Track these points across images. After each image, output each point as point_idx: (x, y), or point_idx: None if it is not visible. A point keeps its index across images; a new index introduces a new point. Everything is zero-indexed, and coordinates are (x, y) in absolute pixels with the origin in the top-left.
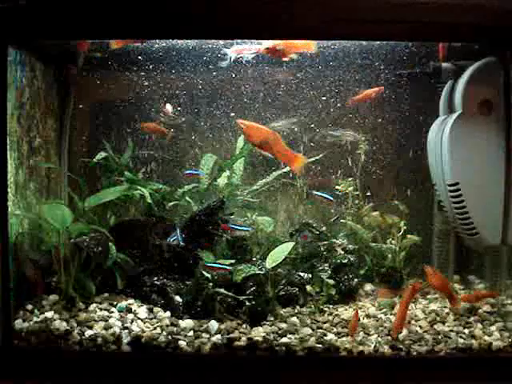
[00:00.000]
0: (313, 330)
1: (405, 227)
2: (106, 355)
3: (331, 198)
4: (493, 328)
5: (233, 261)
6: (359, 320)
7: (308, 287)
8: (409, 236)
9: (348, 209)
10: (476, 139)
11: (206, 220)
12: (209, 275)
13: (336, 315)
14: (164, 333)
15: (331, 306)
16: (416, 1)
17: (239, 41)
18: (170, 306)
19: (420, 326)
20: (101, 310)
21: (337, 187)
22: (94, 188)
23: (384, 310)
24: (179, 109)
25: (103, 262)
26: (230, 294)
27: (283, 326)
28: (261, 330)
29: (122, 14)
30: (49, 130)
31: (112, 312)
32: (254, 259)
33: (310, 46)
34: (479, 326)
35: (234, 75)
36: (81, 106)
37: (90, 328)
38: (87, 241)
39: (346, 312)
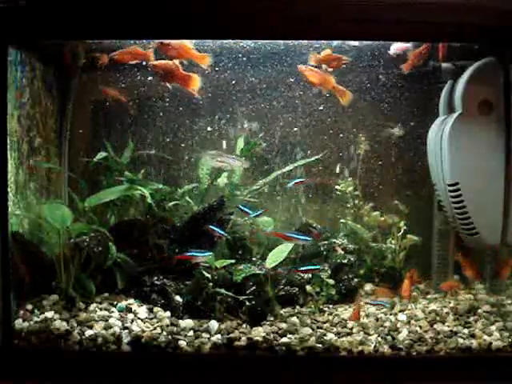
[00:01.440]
0: (313, 329)
1: (405, 227)
2: (106, 355)
3: (302, 179)
4: (493, 328)
5: (233, 260)
6: (359, 318)
7: (308, 287)
8: (409, 236)
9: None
10: (476, 139)
11: (206, 220)
12: (209, 275)
13: (336, 315)
14: (164, 333)
15: (331, 306)
16: (418, 1)
17: None
18: (170, 305)
19: (420, 326)
20: (101, 309)
21: (337, 187)
22: (94, 188)
23: (384, 309)
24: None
25: (103, 262)
26: (230, 293)
27: (283, 325)
28: (261, 330)
29: (121, 14)
30: (49, 130)
31: (112, 312)
32: (254, 259)
33: (204, 59)
34: (479, 325)
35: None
36: (81, 106)
37: (90, 328)
38: (87, 241)
39: (346, 312)
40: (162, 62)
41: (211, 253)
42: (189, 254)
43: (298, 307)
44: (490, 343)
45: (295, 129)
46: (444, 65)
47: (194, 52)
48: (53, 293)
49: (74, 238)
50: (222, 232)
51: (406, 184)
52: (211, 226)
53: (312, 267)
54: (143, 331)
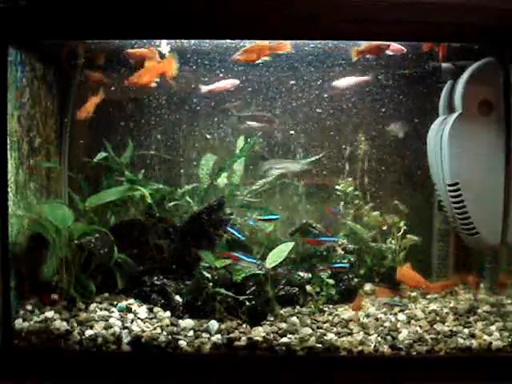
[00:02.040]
0: (313, 329)
1: (405, 227)
2: (106, 355)
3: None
4: (493, 328)
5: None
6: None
7: (308, 287)
8: (408, 236)
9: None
10: (476, 139)
11: (206, 220)
12: (209, 275)
13: (336, 315)
14: (164, 333)
15: (331, 306)
16: (418, 1)
17: None
18: (169, 305)
19: (420, 326)
20: (101, 309)
21: (337, 187)
22: (94, 188)
23: (384, 309)
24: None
25: (108, 263)
26: (230, 293)
27: (283, 325)
28: (261, 330)
29: (121, 14)
30: (49, 130)
31: (112, 312)
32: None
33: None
34: (479, 325)
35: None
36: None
37: (90, 328)
38: (92, 241)
39: (346, 312)
40: (138, 50)
41: (255, 260)
42: (235, 254)
43: (298, 307)
44: (490, 343)
45: (293, 130)
46: (444, 65)
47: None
48: (53, 293)
49: (74, 238)
50: (240, 236)
51: (407, 184)
52: (230, 229)
53: (342, 265)
54: (143, 331)
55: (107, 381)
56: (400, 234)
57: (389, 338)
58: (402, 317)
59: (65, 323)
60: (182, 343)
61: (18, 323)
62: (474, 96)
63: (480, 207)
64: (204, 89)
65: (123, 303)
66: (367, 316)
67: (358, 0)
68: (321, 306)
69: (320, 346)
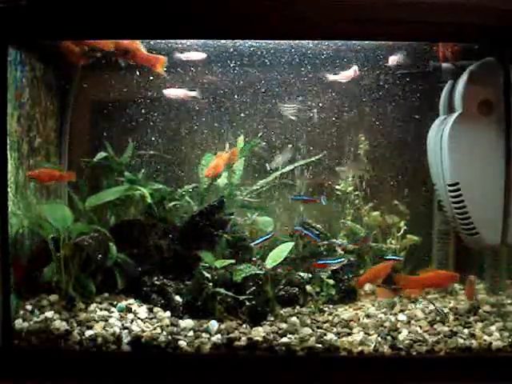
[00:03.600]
0: (313, 329)
1: (405, 227)
2: (106, 355)
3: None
4: (493, 328)
5: (233, 260)
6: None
7: (308, 287)
8: (408, 236)
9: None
10: (476, 139)
11: (206, 220)
12: (209, 275)
13: (336, 315)
14: (164, 333)
15: (331, 306)
16: (418, 1)
17: None
18: (169, 306)
19: (420, 326)
20: (101, 309)
21: (337, 187)
22: (94, 188)
23: (384, 309)
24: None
25: (104, 263)
26: (230, 293)
27: (283, 326)
28: (261, 330)
29: (122, 14)
30: (49, 130)
31: (112, 312)
32: (254, 259)
33: (158, 65)
34: (479, 325)
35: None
36: (81, 106)
37: (90, 328)
38: (88, 241)
39: (346, 312)
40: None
41: (343, 259)
42: (321, 261)
43: (297, 307)
44: (490, 343)
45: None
46: (444, 65)
47: (149, 58)
48: (53, 293)
49: (74, 238)
50: (313, 236)
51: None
52: (300, 229)
53: (396, 257)
54: (143, 331)
55: (107, 381)
56: (400, 233)
57: (389, 337)
58: (402, 317)
59: (65, 323)
60: (182, 343)
61: (18, 323)
62: (474, 96)
63: (480, 207)
64: None
65: (123, 303)
66: (367, 316)
67: (358, 0)
68: (321, 306)
69: (320, 346)
